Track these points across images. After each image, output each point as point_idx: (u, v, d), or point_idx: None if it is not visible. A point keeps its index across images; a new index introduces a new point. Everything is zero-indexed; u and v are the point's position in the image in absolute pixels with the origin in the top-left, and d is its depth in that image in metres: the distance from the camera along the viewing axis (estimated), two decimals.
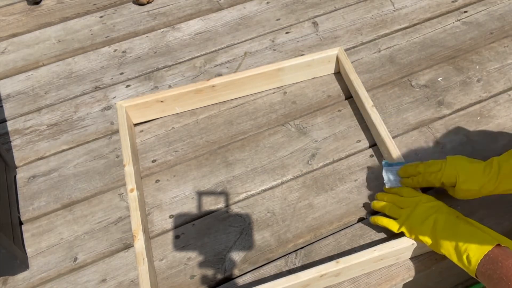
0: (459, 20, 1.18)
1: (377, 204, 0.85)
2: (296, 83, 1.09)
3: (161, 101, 1.03)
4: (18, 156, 1.04)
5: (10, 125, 1.09)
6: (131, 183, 0.90)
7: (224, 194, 0.93)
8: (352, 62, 1.12)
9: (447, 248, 0.73)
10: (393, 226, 0.81)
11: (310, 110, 1.05)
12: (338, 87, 1.08)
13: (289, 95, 1.08)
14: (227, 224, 0.90)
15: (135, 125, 1.06)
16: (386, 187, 0.87)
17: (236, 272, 0.84)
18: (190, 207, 0.93)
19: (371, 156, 0.96)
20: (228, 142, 1.02)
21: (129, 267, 0.86)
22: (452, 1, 1.23)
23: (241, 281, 0.83)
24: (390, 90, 1.06)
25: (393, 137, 0.98)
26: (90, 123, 1.08)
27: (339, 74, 1.10)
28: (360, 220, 0.88)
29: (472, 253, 0.69)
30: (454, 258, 0.73)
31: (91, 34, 1.27)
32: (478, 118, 1.00)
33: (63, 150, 1.04)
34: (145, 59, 1.19)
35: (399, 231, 0.80)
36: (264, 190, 0.94)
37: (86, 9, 1.34)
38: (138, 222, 0.85)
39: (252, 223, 0.89)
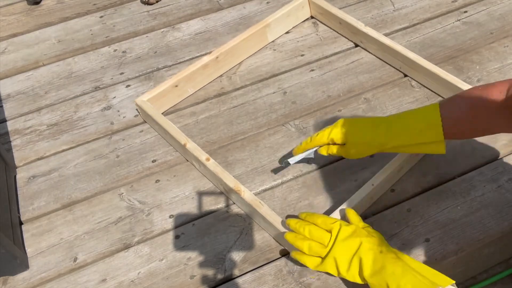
0: (459, 20, 1.18)
1: (291, 239, 0.79)
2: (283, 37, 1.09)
3: (176, 86, 1.05)
4: (18, 156, 1.04)
5: (10, 125, 1.09)
6: (203, 154, 0.93)
7: (224, 194, 0.93)
8: (352, 62, 1.12)
9: None
10: (314, 265, 0.76)
11: (310, 110, 1.05)
12: (338, 87, 1.08)
13: (289, 95, 1.08)
14: (227, 224, 0.90)
15: (136, 125, 1.06)
16: (292, 163, 0.87)
17: (236, 272, 0.84)
18: (190, 207, 0.93)
19: (371, 156, 0.96)
20: (228, 142, 1.02)
21: (129, 267, 0.86)
22: (452, 1, 1.23)
23: (241, 281, 0.83)
24: (390, 90, 1.06)
25: None
26: (90, 123, 1.08)
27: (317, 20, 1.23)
28: None
29: None
30: None
31: (91, 34, 1.27)
32: None
33: (63, 150, 1.04)
34: (145, 59, 1.19)
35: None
36: (264, 190, 0.94)
37: (86, 9, 1.34)
38: (234, 180, 0.89)
39: (252, 223, 0.89)
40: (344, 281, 0.81)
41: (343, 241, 0.75)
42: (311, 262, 0.77)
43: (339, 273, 0.74)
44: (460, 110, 0.76)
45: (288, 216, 0.88)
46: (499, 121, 0.74)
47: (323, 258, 0.75)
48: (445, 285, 0.68)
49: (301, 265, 0.81)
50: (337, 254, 0.74)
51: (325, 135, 0.83)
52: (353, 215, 0.80)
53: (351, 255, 0.73)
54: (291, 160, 0.87)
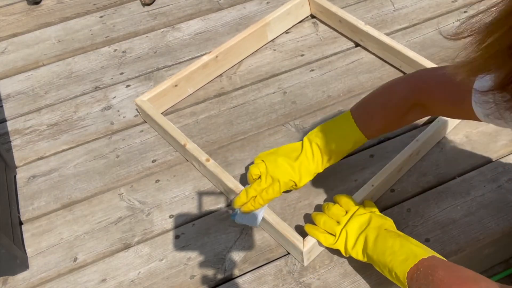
0: (459, 20, 1.18)
1: (312, 215, 0.83)
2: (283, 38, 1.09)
3: (176, 85, 1.05)
4: (18, 156, 1.04)
5: (10, 125, 1.09)
6: (203, 154, 0.92)
7: (224, 194, 0.93)
8: (352, 62, 1.12)
9: (379, 266, 0.73)
10: (327, 242, 0.79)
11: (310, 110, 1.05)
12: (338, 87, 1.08)
13: (289, 95, 1.08)
14: (227, 224, 0.90)
15: (136, 125, 1.07)
16: (255, 226, 0.85)
17: (236, 272, 0.84)
18: (190, 207, 0.93)
19: (371, 156, 0.96)
20: (228, 142, 1.02)
21: (129, 267, 0.86)
22: (452, 1, 1.23)
23: (241, 281, 0.83)
24: None
25: (393, 137, 0.98)
26: (90, 123, 1.08)
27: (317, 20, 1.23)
28: None
29: (398, 270, 0.69)
30: (387, 275, 0.72)
31: (91, 34, 1.27)
32: None
33: (63, 150, 1.04)
34: (145, 59, 1.19)
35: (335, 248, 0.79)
36: None
37: (86, 9, 1.34)
38: (233, 180, 0.89)
39: None
40: (344, 281, 0.81)
41: (356, 218, 0.77)
42: (324, 238, 0.79)
43: (346, 250, 0.77)
44: (374, 121, 0.80)
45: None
46: (410, 118, 0.80)
47: (338, 234, 0.77)
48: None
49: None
50: (349, 229, 0.77)
51: (276, 191, 0.80)
52: (369, 204, 0.84)
53: (359, 232, 0.76)
54: (238, 219, 0.84)
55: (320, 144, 0.80)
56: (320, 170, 0.82)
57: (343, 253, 0.78)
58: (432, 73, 0.77)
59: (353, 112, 0.81)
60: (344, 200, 0.82)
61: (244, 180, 0.95)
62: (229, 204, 0.92)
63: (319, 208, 0.90)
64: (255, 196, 0.81)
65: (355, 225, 0.77)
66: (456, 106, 0.70)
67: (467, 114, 0.67)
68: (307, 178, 0.81)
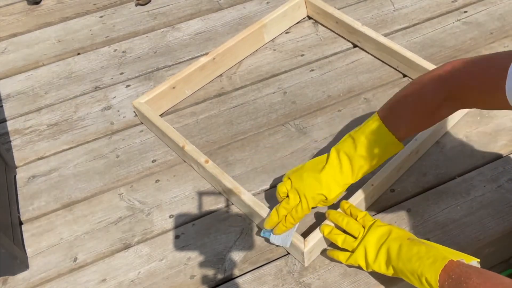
0: (459, 20, 1.18)
1: (326, 233, 0.80)
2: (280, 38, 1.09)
3: (173, 87, 1.05)
4: (18, 156, 1.04)
5: (10, 125, 1.09)
6: (202, 156, 0.92)
7: (224, 195, 0.93)
8: (352, 62, 1.12)
9: (406, 275, 0.71)
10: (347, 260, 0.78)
11: (310, 110, 1.05)
12: (338, 87, 1.08)
13: (289, 95, 1.08)
14: (227, 224, 0.90)
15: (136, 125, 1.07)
16: (287, 246, 0.81)
17: (236, 272, 0.84)
18: (190, 207, 0.93)
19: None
20: (228, 142, 1.02)
21: (129, 267, 0.86)
22: (452, 1, 1.23)
23: (241, 281, 0.83)
24: (390, 90, 1.06)
25: None
26: (90, 123, 1.08)
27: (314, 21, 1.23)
28: None
29: (429, 274, 0.67)
30: (416, 284, 0.70)
31: (91, 34, 1.27)
32: (478, 118, 1.00)
33: (63, 150, 1.04)
34: (145, 59, 1.19)
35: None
36: (264, 190, 0.94)
37: (86, 9, 1.34)
38: (232, 181, 0.89)
39: (252, 223, 0.89)
40: (344, 281, 0.81)
41: (374, 231, 0.76)
42: (344, 256, 0.78)
43: (367, 264, 0.75)
44: (405, 121, 0.75)
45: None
46: (442, 113, 0.76)
47: (355, 249, 0.77)
48: (468, 260, 0.69)
49: (334, 260, 0.82)
50: (368, 243, 0.75)
51: (305, 208, 0.78)
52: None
53: (379, 245, 0.74)
54: (272, 239, 0.82)
55: (348, 152, 0.76)
56: (352, 181, 0.78)
57: (364, 268, 0.76)
58: (462, 65, 0.72)
59: (380, 114, 0.76)
60: (362, 215, 0.80)
61: (244, 179, 0.95)
62: (228, 205, 0.92)
63: (318, 209, 0.90)
64: (286, 215, 0.78)
65: (373, 238, 0.75)
66: (490, 96, 0.67)
67: (500, 103, 0.64)
68: (336, 189, 0.77)
